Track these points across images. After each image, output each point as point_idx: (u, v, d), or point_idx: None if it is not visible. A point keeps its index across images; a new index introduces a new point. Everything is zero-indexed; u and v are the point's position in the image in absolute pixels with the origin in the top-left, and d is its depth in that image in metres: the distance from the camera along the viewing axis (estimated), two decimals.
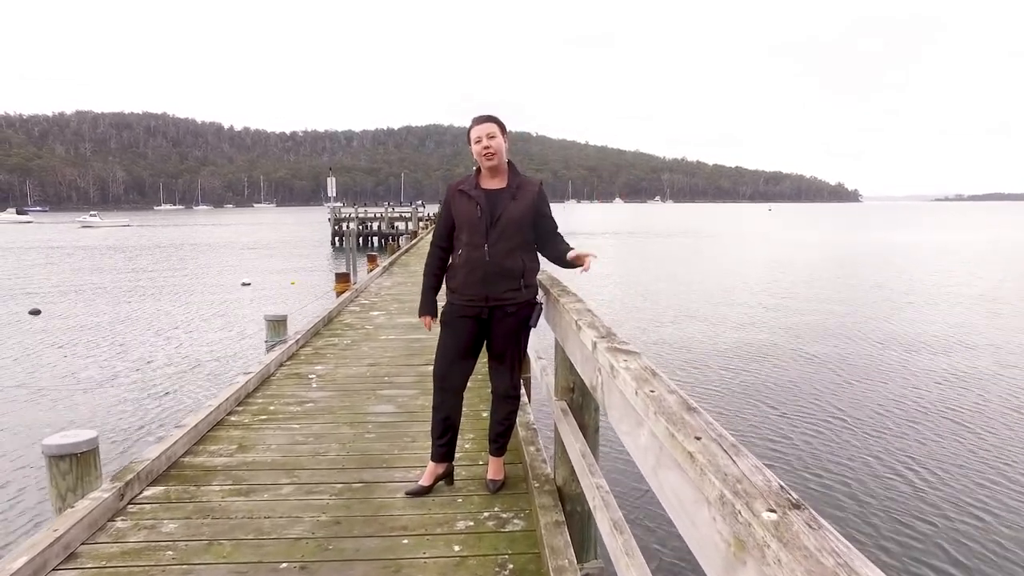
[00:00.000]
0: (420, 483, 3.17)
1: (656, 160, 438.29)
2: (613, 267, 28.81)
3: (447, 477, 3.24)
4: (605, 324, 2.26)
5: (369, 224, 43.43)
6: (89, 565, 2.54)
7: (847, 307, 17.18)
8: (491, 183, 3.02)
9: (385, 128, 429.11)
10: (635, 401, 1.51)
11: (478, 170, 3.06)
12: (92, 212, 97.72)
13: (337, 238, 40.01)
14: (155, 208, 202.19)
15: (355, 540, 2.73)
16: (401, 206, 58.24)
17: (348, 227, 24.69)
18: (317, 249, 39.21)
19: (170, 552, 2.63)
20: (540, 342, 4.26)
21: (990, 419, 8.38)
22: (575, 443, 2.66)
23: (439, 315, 3.17)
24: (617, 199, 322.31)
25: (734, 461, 1.10)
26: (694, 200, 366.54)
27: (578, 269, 2.96)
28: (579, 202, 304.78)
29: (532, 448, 3.56)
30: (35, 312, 16.77)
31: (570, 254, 3.01)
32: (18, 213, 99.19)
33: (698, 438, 1.20)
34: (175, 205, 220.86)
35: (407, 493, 3.13)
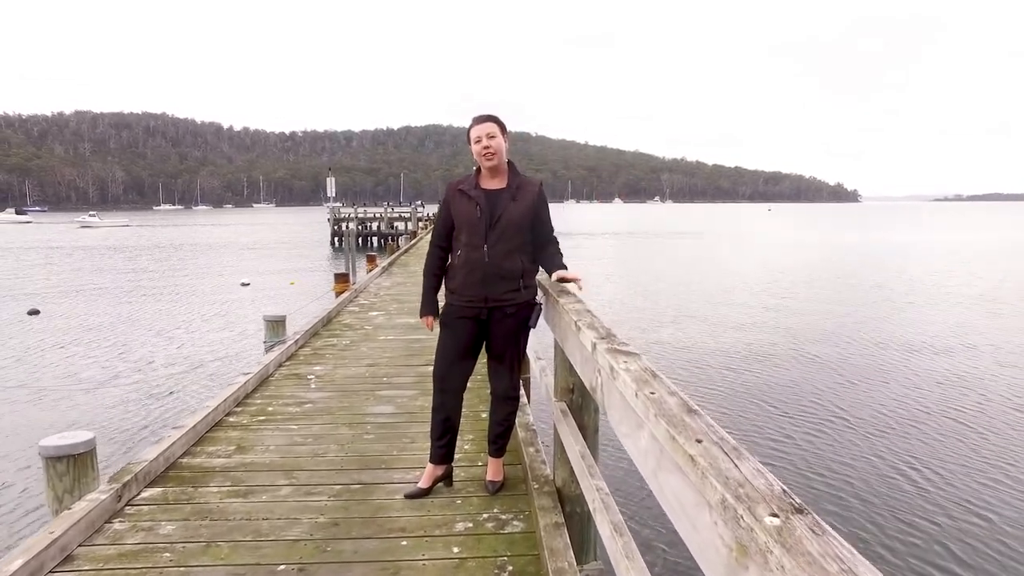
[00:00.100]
0: (419, 485, 3.16)
1: (655, 160, 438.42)
2: (613, 267, 28.83)
3: (446, 479, 3.23)
4: (605, 325, 2.25)
5: (368, 224, 43.43)
6: (86, 567, 2.52)
7: (847, 307, 17.17)
8: (491, 183, 3.01)
9: (384, 128, 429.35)
10: (635, 403, 1.50)
11: (478, 170, 3.04)
12: (91, 212, 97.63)
13: (336, 238, 40.01)
14: (154, 208, 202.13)
15: (353, 542, 2.72)
16: (400, 206, 58.26)
17: (347, 227, 24.68)
18: (316, 249, 39.17)
19: (168, 554, 2.62)
20: (539, 342, 4.24)
21: (992, 419, 8.38)
22: (574, 444, 2.65)
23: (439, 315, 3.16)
24: (616, 199, 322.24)
25: (736, 464, 1.08)
26: (693, 200, 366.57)
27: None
28: (578, 202, 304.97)
29: (531, 449, 3.54)
30: (34, 312, 16.74)
31: (557, 274, 2.99)
32: (17, 213, 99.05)
33: (699, 441, 1.19)
34: (174, 205, 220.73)
35: (406, 495, 3.12)
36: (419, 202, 68.45)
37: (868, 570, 0.79)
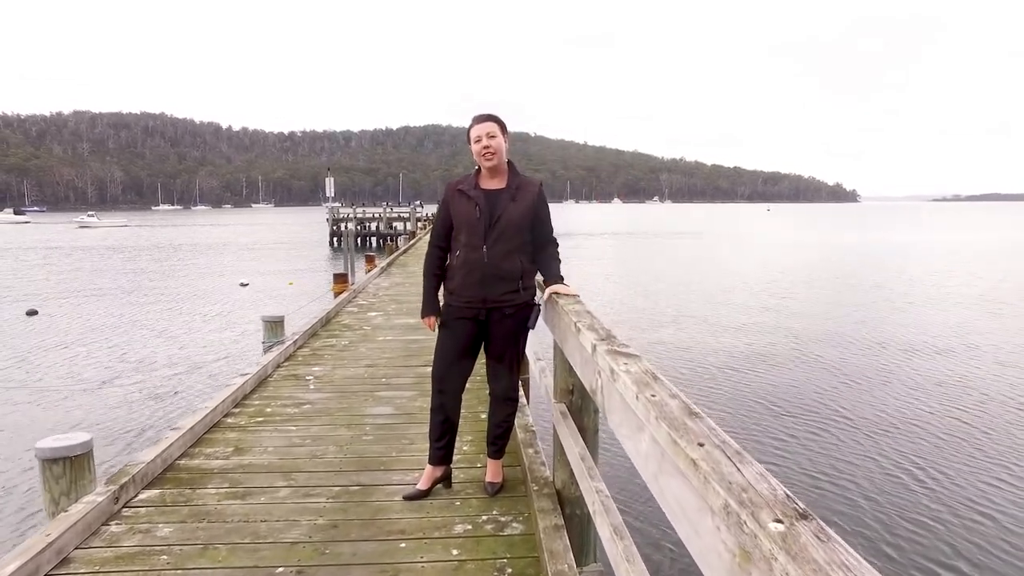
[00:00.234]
0: (418, 486, 3.14)
1: (654, 160, 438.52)
2: (612, 267, 28.82)
3: (445, 480, 3.21)
4: (605, 326, 2.23)
5: (367, 224, 43.43)
6: (82, 570, 2.50)
7: (847, 308, 17.17)
8: (490, 183, 2.99)
9: (383, 128, 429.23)
10: (636, 406, 1.48)
11: (478, 170, 3.02)
12: (90, 212, 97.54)
13: (335, 238, 39.98)
14: (153, 208, 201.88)
15: (352, 544, 2.70)
16: (399, 206, 58.22)
17: (346, 227, 24.64)
18: (315, 249, 39.14)
19: (165, 557, 2.60)
20: (539, 343, 4.23)
21: (994, 418, 8.37)
22: (574, 446, 2.64)
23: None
24: (615, 199, 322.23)
25: (738, 469, 1.07)
26: (692, 200, 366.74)
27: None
28: (577, 202, 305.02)
29: (531, 450, 3.53)
30: (32, 312, 16.71)
31: (551, 288, 2.92)
32: (16, 213, 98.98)
33: (701, 444, 1.17)
34: (173, 205, 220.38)
35: (404, 497, 3.10)
36: (418, 202, 68.42)
37: None
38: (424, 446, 3.31)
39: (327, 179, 25.18)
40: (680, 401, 1.41)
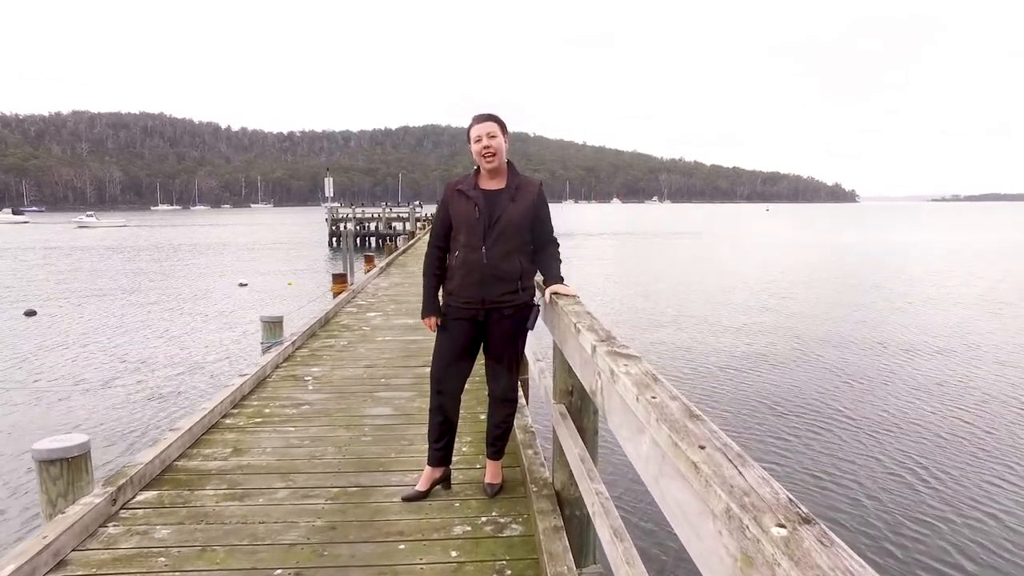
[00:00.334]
0: (417, 488, 3.13)
1: (654, 160, 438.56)
2: (612, 267, 28.82)
3: (444, 481, 3.20)
4: (604, 327, 2.22)
5: (366, 224, 43.41)
6: (80, 573, 2.49)
7: (847, 308, 17.16)
8: (490, 183, 2.98)
9: (383, 128, 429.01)
10: (636, 407, 1.47)
11: (477, 170, 3.01)
12: (89, 212, 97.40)
13: (334, 238, 39.96)
14: (152, 208, 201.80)
15: (350, 546, 2.69)
16: (399, 206, 58.24)
17: (345, 227, 24.63)
18: (314, 250, 39.12)
19: (163, 559, 2.59)
20: (539, 344, 4.22)
21: (995, 418, 8.37)
22: (574, 447, 2.62)
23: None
24: (615, 199, 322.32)
25: (740, 472, 1.06)
26: (691, 200, 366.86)
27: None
28: (576, 202, 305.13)
29: (530, 451, 3.52)
30: (30, 313, 16.68)
31: (551, 288, 2.91)
32: (14, 213, 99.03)
33: (702, 447, 1.16)
34: (172, 205, 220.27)
35: (403, 498, 3.09)
36: (417, 202, 68.45)
37: None
38: (423, 447, 3.30)
39: (326, 179, 25.19)
40: (681, 403, 1.40)
